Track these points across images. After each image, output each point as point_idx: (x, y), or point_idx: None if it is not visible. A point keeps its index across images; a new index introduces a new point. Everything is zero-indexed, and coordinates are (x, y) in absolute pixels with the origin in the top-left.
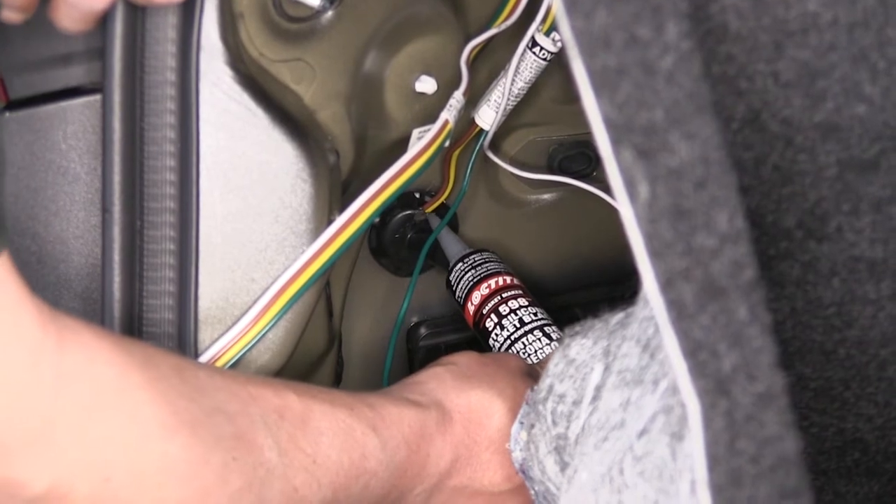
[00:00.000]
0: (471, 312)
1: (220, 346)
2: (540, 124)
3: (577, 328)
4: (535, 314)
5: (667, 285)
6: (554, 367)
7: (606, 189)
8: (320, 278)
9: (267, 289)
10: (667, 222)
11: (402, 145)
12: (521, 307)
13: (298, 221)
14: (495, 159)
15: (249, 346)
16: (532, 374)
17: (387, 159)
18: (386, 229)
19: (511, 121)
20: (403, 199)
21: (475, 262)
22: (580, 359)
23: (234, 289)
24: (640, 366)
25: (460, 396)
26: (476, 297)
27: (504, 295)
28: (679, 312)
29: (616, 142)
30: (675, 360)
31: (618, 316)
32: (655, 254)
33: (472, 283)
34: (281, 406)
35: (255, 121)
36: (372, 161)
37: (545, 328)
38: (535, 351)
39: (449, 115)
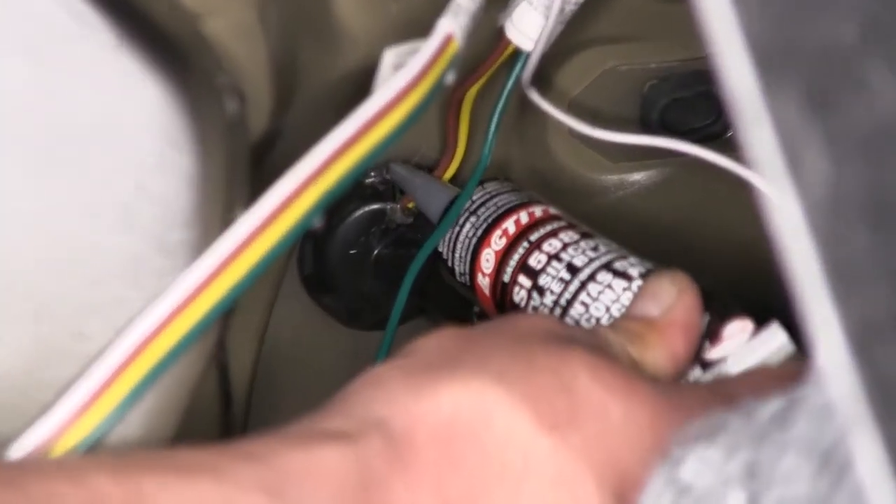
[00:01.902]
0: (486, 288)
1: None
2: (625, 40)
3: (695, 428)
4: (595, 248)
5: (863, 349)
6: (654, 500)
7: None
8: (207, 331)
9: (104, 353)
10: (864, 227)
11: (364, 80)
12: (565, 246)
13: (168, 226)
14: (544, 105)
15: (81, 445)
16: (575, 336)
17: (337, 107)
18: (333, 239)
19: (572, 34)
20: (367, 183)
21: (475, 203)
22: (702, 485)
23: (45, 352)
24: (816, 496)
25: (421, 402)
26: (488, 257)
27: (534, 237)
28: (890, 402)
29: (767, 81)
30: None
31: (771, 406)
32: (842, 287)
33: (477, 237)
34: (88, 500)
35: (86, 37)
36: (309, 111)
37: (614, 264)
38: (608, 307)
39: (454, 22)
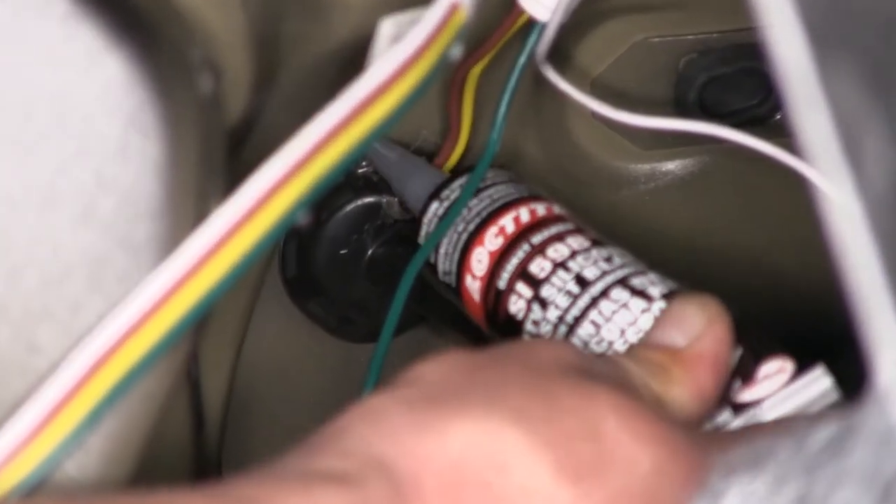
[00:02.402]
0: (475, 292)
1: None
2: (658, 8)
3: (737, 457)
4: (608, 259)
5: None
6: None
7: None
8: (176, 342)
9: (57, 369)
10: None
11: (357, 54)
12: (574, 253)
13: (132, 220)
14: (561, 84)
15: (34, 475)
16: (596, 370)
17: (326, 84)
18: (320, 237)
19: (595, 0)
20: (360, 173)
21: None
22: None
23: None
24: None
25: (427, 442)
26: (480, 257)
27: (536, 239)
28: None
29: (823, 56)
30: None
31: (824, 432)
32: None
33: (468, 233)
34: None
35: (35, 5)
36: (294, 89)
37: (631, 280)
38: (624, 330)
39: None
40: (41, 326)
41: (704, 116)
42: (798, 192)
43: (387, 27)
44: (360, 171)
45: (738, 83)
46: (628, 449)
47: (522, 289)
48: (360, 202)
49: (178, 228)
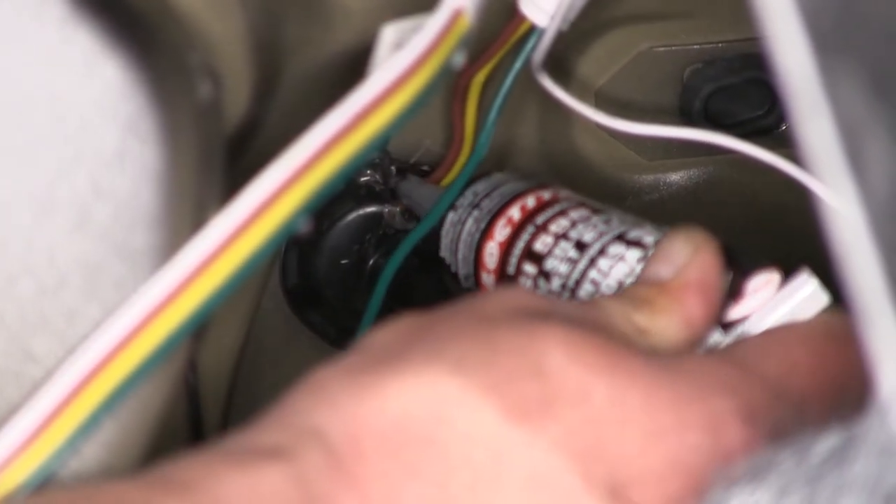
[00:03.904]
0: (491, 287)
1: None
2: (663, 17)
3: (739, 469)
4: (607, 222)
5: None
6: None
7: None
8: (174, 351)
9: (53, 377)
10: None
11: (359, 60)
12: (574, 223)
13: (129, 228)
14: (557, 92)
15: (28, 483)
16: (555, 310)
17: (328, 91)
18: (321, 247)
19: (600, 9)
20: (362, 182)
21: (479, 196)
22: None
23: None
24: None
25: (364, 403)
26: (492, 251)
27: (540, 219)
28: None
29: (826, 63)
30: None
31: (827, 443)
32: None
33: (480, 231)
34: None
35: (32, 7)
36: (294, 96)
37: (628, 234)
38: (622, 282)
39: None
40: (37, 335)
41: (709, 127)
42: (803, 204)
43: (389, 34)
44: (361, 180)
45: (744, 93)
46: (578, 381)
47: (528, 268)
48: (361, 212)
49: (176, 236)
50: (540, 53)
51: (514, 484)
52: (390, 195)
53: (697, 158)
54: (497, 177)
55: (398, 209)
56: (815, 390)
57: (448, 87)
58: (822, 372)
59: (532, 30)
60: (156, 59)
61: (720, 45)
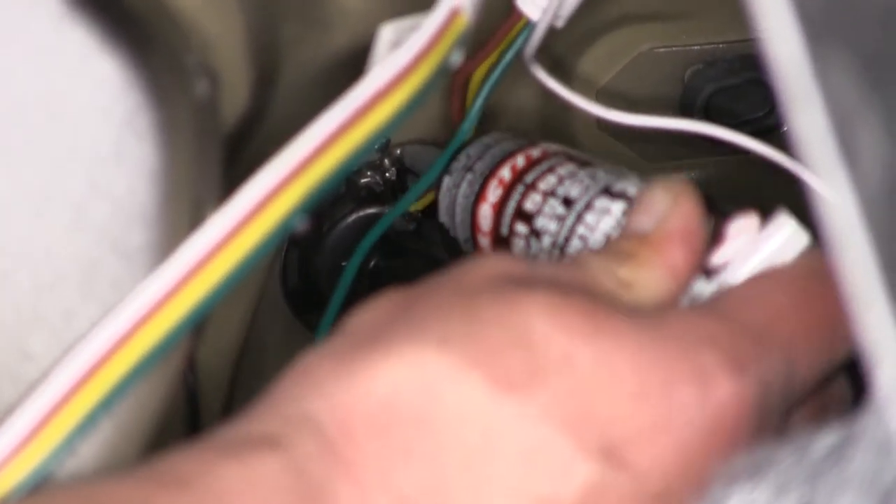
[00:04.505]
0: (486, 247)
1: None
2: (663, 17)
3: (738, 467)
4: (593, 176)
5: None
6: None
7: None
8: (172, 350)
9: (49, 376)
10: None
11: (357, 60)
12: (561, 179)
13: (126, 226)
14: (550, 84)
15: (24, 483)
16: (537, 274)
17: (325, 90)
18: (321, 248)
19: (600, 9)
20: (362, 183)
21: (471, 159)
22: None
23: None
24: None
25: (352, 388)
26: (485, 213)
27: (530, 177)
28: None
29: (817, 50)
30: None
31: (825, 440)
32: None
33: (474, 194)
34: None
35: (32, 7)
36: (292, 95)
37: (613, 186)
38: (609, 235)
39: None
40: (33, 333)
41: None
42: (805, 205)
43: (387, 33)
44: (362, 181)
45: (745, 94)
46: (563, 347)
47: (520, 228)
48: (361, 213)
49: (174, 234)
50: (532, 47)
51: (508, 456)
52: (391, 196)
53: (698, 160)
54: (489, 138)
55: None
56: (802, 333)
57: (446, 86)
58: (808, 313)
59: (528, 25)
60: (152, 57)
61: (721, 45)
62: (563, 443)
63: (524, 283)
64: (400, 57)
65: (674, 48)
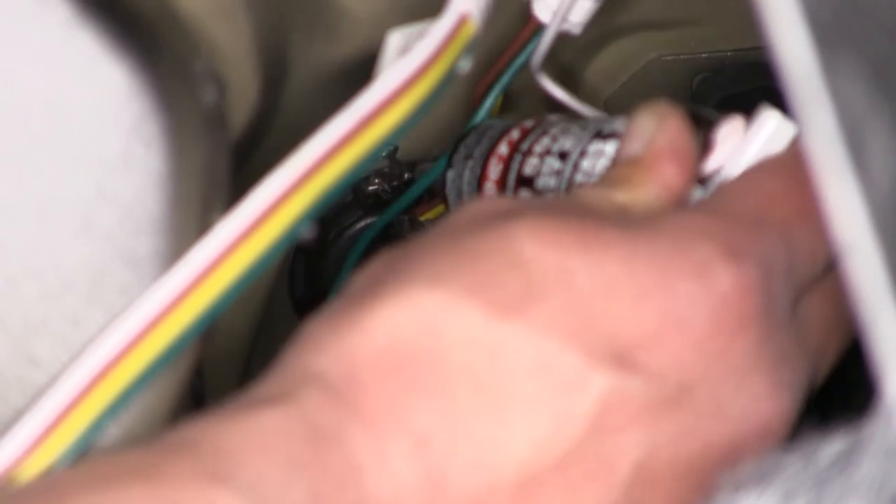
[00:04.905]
0: None
1: None
2: (672, 25)
3: (745, 473)
4: (584, 126)
5: None
6: None
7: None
8: (179, 356)
9: (55, 382)
10: None
11: (365, 67)
12: (555, 138)
13: (134, 233)
14: (557, 93)
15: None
16: (523, 207)
17: (333, 98)
18: (329, 256)
19: (608, 17)
20: (370, 191)
21: (470, 147)
22: None
23: None
24: None
25: (350, 340)
26: (489, 190)
27: (525, 145)
28: None
29: (828, 56)
30: None
31: (832, 447)
32: None
33: (476, 177)
34: None
35: (37, 11)
36: (300, 102)
37: (603, 129)
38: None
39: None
40: (40, 339)
41: None
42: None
43: (395, 40)
44: (369, 189)
45: (753, 102)
46: (555, 263)
47: (524, 194)
48: (369, 220)
49: (181, 241)
50: (539, 54)
51: (518, 375)
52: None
53: None
54: (483, 125)
55: (406, 217)
56: (797, 215)
57: (457, 96)
58: (801, 196)
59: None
60: (160, 63)
61: (729, 53)
62: (571, 355)
63: (512, 214)
64: (408, 63)
65: (682, 56)
